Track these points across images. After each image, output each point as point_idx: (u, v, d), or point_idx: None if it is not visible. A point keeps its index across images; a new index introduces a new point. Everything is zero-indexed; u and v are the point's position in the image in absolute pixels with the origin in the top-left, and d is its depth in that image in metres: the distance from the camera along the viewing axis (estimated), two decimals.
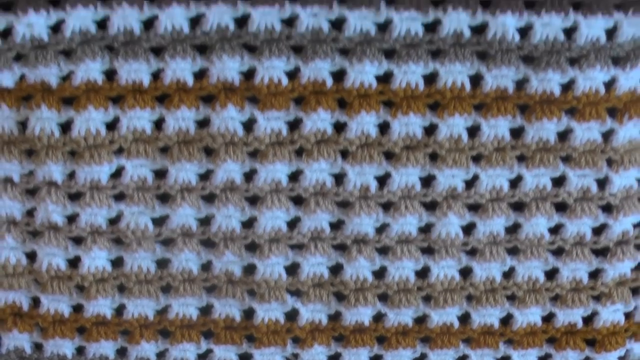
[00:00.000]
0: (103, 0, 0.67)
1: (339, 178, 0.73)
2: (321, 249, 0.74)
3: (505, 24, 0.68)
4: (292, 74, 0.70)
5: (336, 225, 0.74)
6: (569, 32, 0.69)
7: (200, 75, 0.70)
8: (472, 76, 0.70)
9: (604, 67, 0.69)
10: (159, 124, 0.72)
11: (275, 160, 0.71)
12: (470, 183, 0.73)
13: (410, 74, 0.69)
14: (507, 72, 0.69)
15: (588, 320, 0.77)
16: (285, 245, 0.74)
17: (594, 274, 0.76)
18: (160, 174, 0.73)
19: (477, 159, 0.72)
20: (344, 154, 0.72)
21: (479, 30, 0.69)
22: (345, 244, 0.74)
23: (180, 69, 0.69)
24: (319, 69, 0.69)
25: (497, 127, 0.71)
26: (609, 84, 0.70)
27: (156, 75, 0.70)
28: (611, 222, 0.73)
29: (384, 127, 0.72)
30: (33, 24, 0.67)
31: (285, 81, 0.70)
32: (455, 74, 0.69)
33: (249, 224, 0.74)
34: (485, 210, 0.73)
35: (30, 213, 0.74)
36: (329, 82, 0.70)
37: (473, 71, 0.70)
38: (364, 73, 0.69)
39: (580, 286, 0.75)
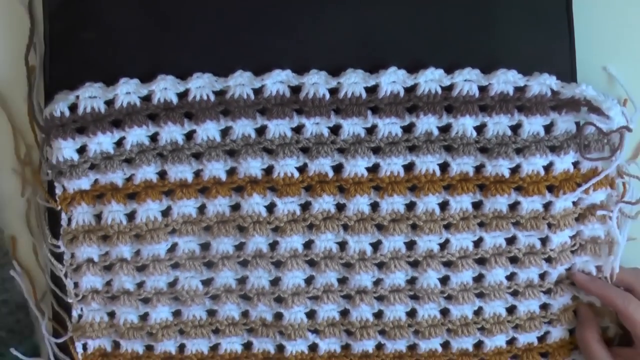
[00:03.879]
0: (153, 120, 0.68)
1: (342, 245, 0.71)
2: (332, 299, 0.72)
3: (465, 124, 0.67)
4: (302, 169, 0.69)
5: (342, 281, 0.72)
6: (515, 128, 0.68)
7: (231, 172, 0.69)
8: (441, 164, 0.69)
9: (543, 154, 0.68)
10: (201, 210, 0.70)
11: (292, 234, 0.70)
12: (443, 245, 0.71)
13: (393, 165, 0.68)
14: (467, 160, 0.68)
15: (542, 338, 0.76)
16: (304, 297, 0.72)
17: (544, 307, 0.74)
18: (205, 247, 0.72)
19: (447, 226, 0.70)
20: (345, 227, 0.71)
21: (445, 129, 0.68)
22: (350, 294, 0.73)
23: (216, 168, 0.69)
24: (322, 164, 0.68)
25: (462, 202, 0.70)
26: (548, 167, 0.69)
27: (197, 174, 0.70)
28: (551, 270, 0.72)
29: (374, 206, 0.70)
30: (102, 142, 0.68)
31: (296, 175, 0.69)
32: (427, 163, 0.68)
33: (275, 282, 0.72)
34: (456, 265, 0.71)
35: (108, 283, 0.73)
36: (330, 174, 0.69)
37: (442, 160, 0.69)
38: (357, 166, 0.68)
39: (535, 316, 0.74)
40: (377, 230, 0.71)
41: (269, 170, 0.67)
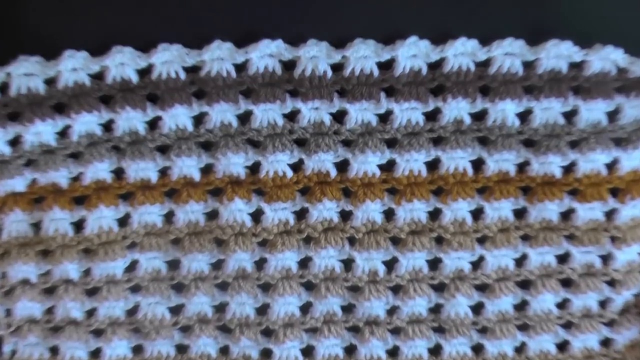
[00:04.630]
0: (106, 104, 0.64)
1: (348, 264, 0.68)
2: (334, 332, 0.70)
3: (505, 110, 0.63)
4: (296, 167, 0.66)
5: (347, 309, 0.70)
6: (569, 115, 0.64)
7: (206, 170, 0.66)
8: (474, 161, 0.66)
9: (605, 149, 0.64)
10: (169, 218, 0.68)
11: (284, 249, 0.67)
12: (476, 264, 0.68)
13: (412, 162, 0.65)
14: (508, 156, 0.65)
15: None
16: (300, 329, 0.70)
17: (606, 342, 0.71)
18: (174, 265, 0.69)
19: (482, 240, 0.68)
20: (351, 241, 0.68)
21: (479, 116, 0.65)
22: (358, 326, 0.70)
23: (187, 165, 0.65)
24: (322, 161, 0.65)
25: (500, 209, 0.67)
26: (611, 165, 0.65)
27: (163, 172, 0.66)
28: (615, 296, 0.69)
29: (389, 214, 0.67)
30: (41, 132, 0.64)
31: (289, 173, 0.66)
32: (457, 159, 0.65)
33: (262, 310, 0.70)
34: (492, 290, 0.69)
35: (50, 311, 0.70)
36: (333, 172, 0.66)
37: (474, 156, 0.65)
38: (366, 163, 0.65)
39: (593, 354, 0.71)
40: (391, 244, 0.68)
41: (254, 168, 0.66)
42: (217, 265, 0.69)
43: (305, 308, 0.70)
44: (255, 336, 0.70)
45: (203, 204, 0.67)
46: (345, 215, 0.67)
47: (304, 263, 0.69)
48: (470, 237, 0.67)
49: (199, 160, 0.66)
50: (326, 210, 0.66)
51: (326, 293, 0.69)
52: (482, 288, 0.69)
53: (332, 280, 0.69)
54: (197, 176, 0.66)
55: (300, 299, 0.69)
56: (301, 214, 0.67)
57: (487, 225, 0.67)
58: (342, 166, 0.66)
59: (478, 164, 0.66)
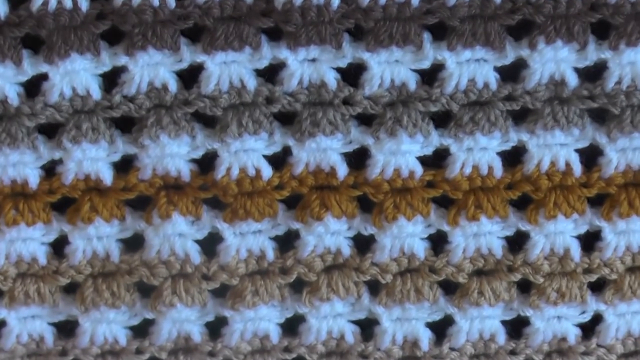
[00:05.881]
0: None
1: (367, 327, 0.69)
2: None
3: (637, 64, 0.63)
4: (279, 160, 0.66)
5: None
6: None
7: (124, 166, 0.66)
8: (584, 150, 0.66)
9: None
10: (59, 248, 0.68)
11: (258, 302, 0.67)
12: (589, 328, 0.69)
13: (478, 152, 0.65)
14: None
15: None
16: None
17: None
18: (67, 330, 0.69)
19: (598, 287, 0.68)
20: (373, 288, 0.68)
21: (593, 74, 0.64)
22: None
23: (90, 157, 0.65)
24: (323, 150, 0.65)
25: (629, 234, 0.66)
26: None
27: (51, 170, 0.66)
28: None
29: (438, 242, 0.67)
30: None
31: (267, 172, 0.65)
32: (554, 148, 0.65)
33: None
34: None
35: None
36: (342, 170, 0.65)
37: (585, 142, 0.65)
38: (399, 154, 0.65)
39: None
40: (443, 294, 0.69)
41: (206, 163, 0.67)
42: (142, 330, 0.69)
43: None
44: None
45: (118, 223, 0.67)
46: (363, 244, 0.68)
47: (292, 326, 0.69)
48: (578, 282, 0.67)
49: (112, 148, 0.66)
50: (330, 234, 0.67)
51: None
52: None
53: (340, 357, 0.69)
54: (107, 176, 0.66)
55: None
56: (287, 242, 0.68)
57: (608, 261, 0.67)
58: (358, 159, 0.66)
59: (591, 156, 0.66)
